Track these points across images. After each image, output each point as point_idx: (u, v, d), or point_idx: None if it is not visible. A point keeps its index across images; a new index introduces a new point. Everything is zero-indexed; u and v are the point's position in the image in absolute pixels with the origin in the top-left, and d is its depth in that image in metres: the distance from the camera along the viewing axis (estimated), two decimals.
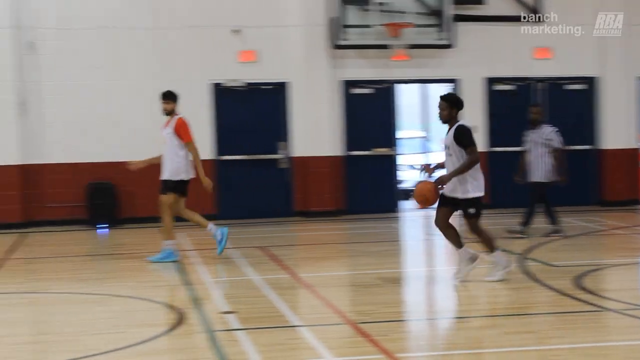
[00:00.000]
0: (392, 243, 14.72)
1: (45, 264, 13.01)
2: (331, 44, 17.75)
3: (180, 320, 8.68)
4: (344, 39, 17.75)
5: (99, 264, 13.04)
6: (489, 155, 18.26)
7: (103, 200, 17.03)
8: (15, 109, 16.81)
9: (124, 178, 16.95)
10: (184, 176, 12.42)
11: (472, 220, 10.11)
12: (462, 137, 9.97)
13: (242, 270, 11.59)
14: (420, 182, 10.09)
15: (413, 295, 10.30)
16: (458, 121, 10.09)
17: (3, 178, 16.73)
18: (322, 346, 7.49)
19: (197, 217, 12.65)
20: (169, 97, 12.58)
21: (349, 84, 18.13)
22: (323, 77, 17.80)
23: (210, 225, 12.57)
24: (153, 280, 11.27)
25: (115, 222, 17.05)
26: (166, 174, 12.45)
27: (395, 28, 17.53)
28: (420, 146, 22.17)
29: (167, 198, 12.40)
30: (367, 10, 17.64)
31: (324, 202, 17.91)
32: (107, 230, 16.70)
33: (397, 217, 17.98)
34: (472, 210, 10.06)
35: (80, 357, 7.42)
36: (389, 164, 18.43)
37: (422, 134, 22.78)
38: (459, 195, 10.01)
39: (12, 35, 16.80)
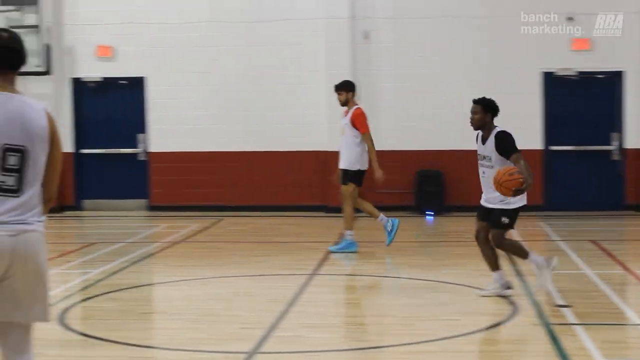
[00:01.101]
0: None
1: (376, 248, 13.38)
2: None
3: (514, 310, 8.67)
4: None
5: (429, 251, 13.28)
6: None
7: (431, 187, 17.30)
8: None
9: (452, 166, 17.13)
10: (359, 166, 12.54)
11: (499, 232, 9.13)
12: (505, 144, 8.93)
13: (575, 264, 11.38)
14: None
15: None
16: (495, 127, 9.11)
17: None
18: None
19: (370, 207, 12.72)
20: (342, 87, 12.69)
21: None
22: None
23: (382, 216, 12.64)
24: (482, 269, 11.31)
25: (441, 209, 17.25)
26: (344, 164, 12.63)
27: None
28: None
29: (347, 188, 12.58)
30: None
31: None
32: (433, 217, 16.95)
33: None
34: (505, 220, 9.04)
35: (416, 342, 7.62)
36: None
37: None
38: (499, 205, 9.01)
39: (348, 25, 17.40)
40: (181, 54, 17.73)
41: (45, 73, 17.31)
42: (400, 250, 12.97)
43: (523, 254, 9.21)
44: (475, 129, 9.23)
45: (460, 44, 17.45)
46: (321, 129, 17.39)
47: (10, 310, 4.61)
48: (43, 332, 7.95)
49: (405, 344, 7.56)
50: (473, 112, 9.18)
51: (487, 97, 9.31)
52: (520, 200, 8.98)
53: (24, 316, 4.65)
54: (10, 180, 4.56)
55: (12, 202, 4.55)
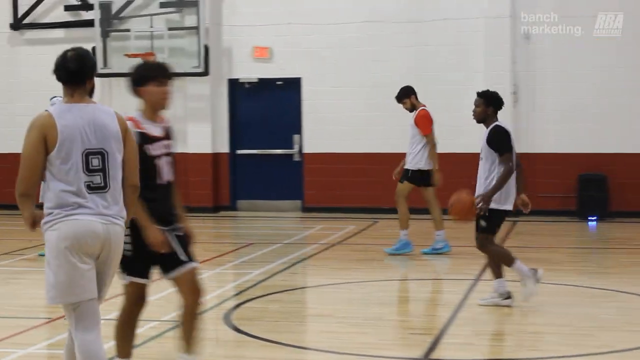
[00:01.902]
0: None
1: (539, 254, 13.02)
2: None
3: None
4: None
5: (596, 257, 12.83)
6: None
7: (594, 192, 16.74)
8: (509, 98, 17.02)
9: (617, 169, 16.57)
10: (420, 166, 12.51)
11: (481, 235, 8.92)
12: (496, 140, 8.90)
13: None
14: (458, 196, 8.83)
15: None
16: (495, 122, 9.04)
17: None
18: None
19: (406, 215, 12.49)
20: (402, 96, 12.80)
21: None
22: None
23: (407, 231, 12.51)
24: None
25: (605, 214, 16.67)
26: (407, 163, 12.66)
27: None
28: None
29: (403, 187, 12.57)
30: None
31: None
32: (596, 222, 16.40)
33: None
34: (482, 223, 8.84)
35: (595, 353, 7.29)
36: None
37: None
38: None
39: (509, 24, 17.01)
40: (337, 55, 17.69)
41: (204, 74, 17.53)
42: (564, 257, 12.59)
43: (508, 261, 8.95)
44: (477, 122, 9.21)
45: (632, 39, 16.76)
46: (475, 131, 17.06)
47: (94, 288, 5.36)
48: (213, 332, 7.99)
49: (584, 355, 7.25)
50: (475, 104, 9.17)
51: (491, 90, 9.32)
52: (504, 203, 8.88)
53: (101, 294, 5.45)
54: (97, 179, 5.30)
55: (100, 197, 5.30)
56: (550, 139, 17.02)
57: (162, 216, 6.03)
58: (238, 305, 9.30)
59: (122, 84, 18.15)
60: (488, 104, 9.12)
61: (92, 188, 5.28)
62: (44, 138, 5.23)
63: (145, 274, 6.11)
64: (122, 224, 5.40)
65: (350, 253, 12.96)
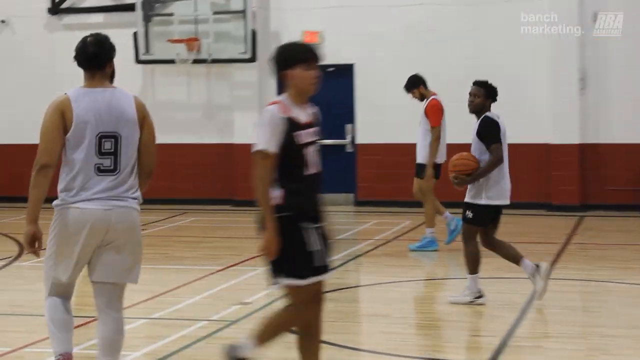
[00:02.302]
0: None
1: (609, 251, 12.84)
2: None
3: None
4: None
5: None
6: None
7: None
8: (577, 85, 16.81)
9: None
10: (437, 159, 12.42)
11: (467, 227, 9.05)
12: (486, 131, 8.95)
13: None
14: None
15: None
16: (487, 112, 9.09)
17: (564, 157, 16.81)
18: None
19: (437, 203, 12.53)
20: (409, 87, 12.85)
21: None
22: None
23: (447, 214, 12.51)
24: None
25: None
26: (420, 157, 12.49)
27: None
28: None
29: (425, 183, 12.41)
30: None
31: None
32: None
33: None
34: (469, 214, 8.97)
35: None
36: None
37: None
38: (467, 198, 9.00)
39: (577, 4, 16.80)
40: (392, 40, 17.57)
41: (250, 60, 17.50)
42: (633, 254, 12.41)
43: (472, 268, 9.08)
44: (472, 112, 9.18)
45: None
46: (539, 119, 16.91)
47: (108, 273, 5.82)
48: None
49: None
50: (474, 94, 9.11)
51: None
52: (496, 198, 8.94)
53: (120, 278, 5.84)
54: (107, 162, 5.71)
55: (108, 180, 5.71)
56: (621, 128, 16.78)
57: (309, 212, 5.76)
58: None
59: (165, 70, 18.26)
60: (488, 95, 9.13)
61: (101, 170, 5.72)
62: (62, 116, 5.69)
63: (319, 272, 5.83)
64: (132, 204, 5.80)
65: (407, 250, 12.84)
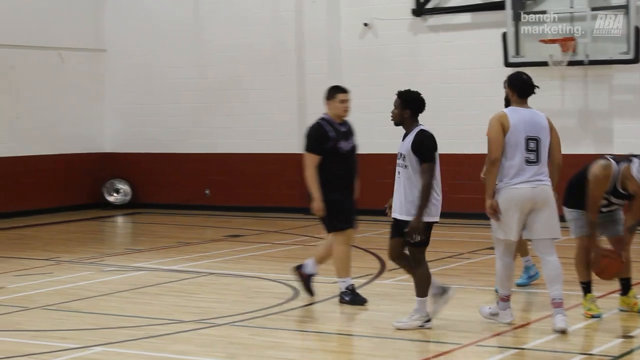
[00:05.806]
0: None
1: None
2: None
3: None
4: None
5: None
6: None
7: None
8: None
9: None
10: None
11: (414, 249, 9.04)
12: (422, 147, 8.95)
13: None
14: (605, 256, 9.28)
15: None
16: (418, 125, 9.07)
17: None
18: None
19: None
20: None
21: None
22: None
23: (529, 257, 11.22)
24: None
25: None
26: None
27: None
28: None
29: None
30: None
31: None
32: None
33: None
34: (417, 237, 8.93)
35: None
36: None
37: None
38: (402, 216, 9.00)
39: None
40: None
41: (633, 61, 16.01)
42: None
43: (421, 292, 9.01)
44: (395, 124, 9.18)
45: None
46: None
47: (540, 230, 8.83)
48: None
49: None
50: (394, 105, 9.12)
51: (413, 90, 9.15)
52: (430, 214, 8.92)
53: (546, 234, 8.83)
54: (532, 156, 8.77)
55: (534, 168, 8.76)
56: None
57: None
58: None
59: (537, 73, 16.79)
60: (404, 106, 9.03)
61: (529, 162, 8.74)
62: (502, 126, 8.74)
63: None
64: (549, 184, 8.84)
65: None
